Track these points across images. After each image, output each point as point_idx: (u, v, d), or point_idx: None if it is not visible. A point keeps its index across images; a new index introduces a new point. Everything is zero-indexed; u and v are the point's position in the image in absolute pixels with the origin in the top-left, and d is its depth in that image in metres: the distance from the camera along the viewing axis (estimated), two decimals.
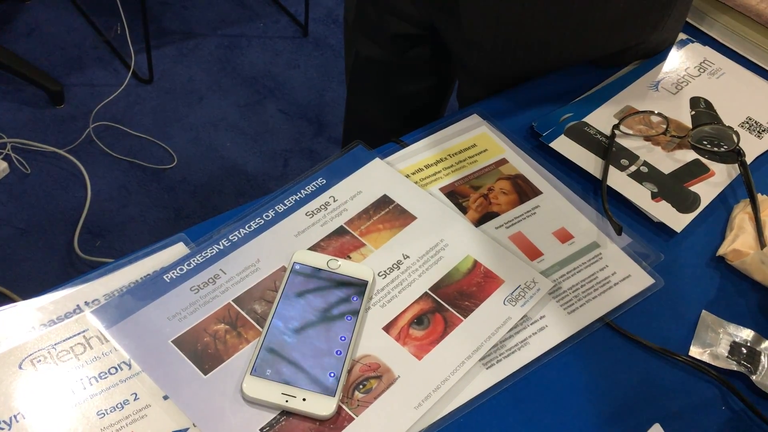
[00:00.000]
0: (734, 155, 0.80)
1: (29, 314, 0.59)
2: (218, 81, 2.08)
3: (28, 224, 1.69)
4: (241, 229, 0.67)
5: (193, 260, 0.64)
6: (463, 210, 0.72)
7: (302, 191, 0.71)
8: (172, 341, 0.59)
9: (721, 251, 0.71)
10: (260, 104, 2.04)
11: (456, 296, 0.65)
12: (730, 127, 0.81)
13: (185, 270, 0.63)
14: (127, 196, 1.78)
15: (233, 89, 2.06)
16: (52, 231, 1.68)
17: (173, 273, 0.63)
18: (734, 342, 0.65)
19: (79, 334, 0.58)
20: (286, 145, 1.95)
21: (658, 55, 0.91)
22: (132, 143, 1.88)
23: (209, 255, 0.65)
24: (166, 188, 1.81)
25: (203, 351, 0.58)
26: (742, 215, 0.74)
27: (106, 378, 0.56)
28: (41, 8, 2.19)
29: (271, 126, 1.99)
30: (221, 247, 0.65)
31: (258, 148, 1.93)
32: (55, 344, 0.57)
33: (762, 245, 0.71)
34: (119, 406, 0.55)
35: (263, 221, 0.68)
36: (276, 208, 0.69)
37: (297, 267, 0.64)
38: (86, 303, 0.60)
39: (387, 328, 0.62)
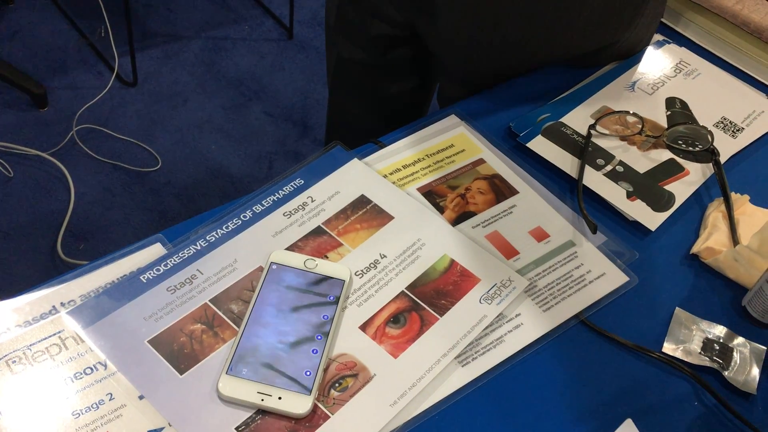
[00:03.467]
0: (709, 155, 0.81)
1: (5, 315, 0.59)
2: (203, 83, 2.08)
3: (10, 227, 1.68)
4: (218, 230, 0.67)
5: (170, 261, 0.64)
6: (441, 210, 0.72)
7: (280, 192, 0.71)
8: (148, 341, 0.59)
9: (694, 249, 0.72)
10: (245, 106, 2.04)
11: (432, 295, 0.65)
12: (704, 127, 0.82)
13: (162, 270, 0.64)
14: (111, 199, 1.77)
15: (218, 91, 2.06)
16: (35, 234, 1.67)
17: (150, 273, 0.63)
18: (707, 338, 0.66)
19: (54, 334, 0.58)
20: (271, 148, 1.95)
21: (635, 56, 0.92)
22: (116, 146, 1.88)
23: (186, 255, 0.65)
24: (150, 191, 1.81)
25: (179, 351, 0.59)
26: (716, 214, 0.75)
27: (81, 378, 0.56)
28: (25, 11, 2.18)
29: (256, 128, 1.99)
30: (198, 248, 0.66)
31: (243, 151, 1.93)
32: (31, 345, 0.57)
33: (735, 243, 0.72)
34: (94, 406, 0.55)
35: (241, 221, 0.68)
36: (254, 208, 0.70)
37: (274, 267, 0.64)
38: (62, 304, 0.60)
39: (363, 327, 0.62)
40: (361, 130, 1.10)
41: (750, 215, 0.76)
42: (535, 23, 0.80)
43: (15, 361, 0.56)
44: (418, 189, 0.74)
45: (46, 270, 1.62)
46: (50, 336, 0.58)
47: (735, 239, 0.72)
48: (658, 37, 0.95)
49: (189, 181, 1.85)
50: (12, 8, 2.17)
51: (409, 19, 0.91)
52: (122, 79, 2.03)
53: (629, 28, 0.84)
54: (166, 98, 2.02)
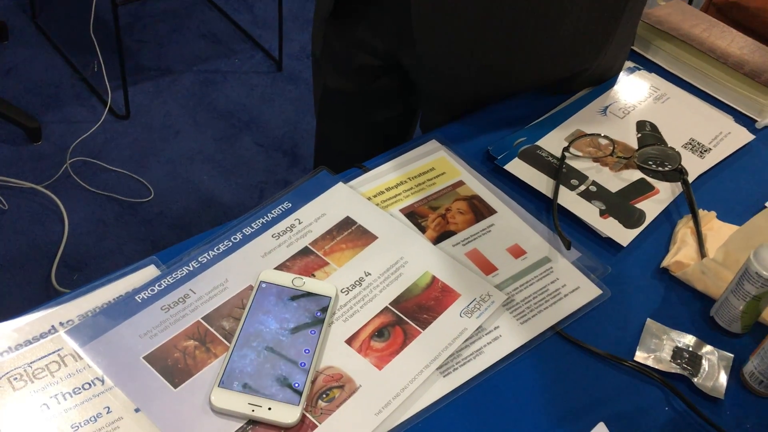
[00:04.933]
0: (677, 174, 0.85)
1: (6, 335, 0.62)
2: (194, 116, 2.12)
3: (5, 258, 1.70)
4: (210, 251, 0.71)
5: (164, 281, 0.67)
6: (422, 229, 0.76)
7: (269, 215, 0.75)
8: (144, 357, 0.62)
9: (664, 263, 0.76)
10: (236, 137, 2.08)
11: (415, 310, 0.68)
12: (672, 148, 0.86)
13: (156, 290, 0.67)
14: (105, 230, 1.80)
15: (209, 123, 2.11)
16: (30, 265, 1.70)
17: (144, 294, 0.66)
18: (677, 347, 0.69)
19: (54, 352, 0.61)
20: (262, 177, 1.99)
21: (607, 82, 0.96)
22: (109, 178, 1.91)
23: (179, 276, 0.68)
24: (142, 221, 1.84)
25: (173, 366, 0.61)
26: (684, 230, 0.79)
27: (80, 393, 0.59)
28: (19, 48, 2.22)
29: (246, 158, 2.03)
30: (191, 269, 0.69)
31: (234, 180, 1.97)
32: (31, 363, 0.60)
33: (702, 257, 0.75)
34: (92, 419, 0.57)
35: (231, 243, 0.72)
36: (243, 230, 0.73)
37: (263, 285, 0.67)
38: (61, 323, 0.63)
39: (349, 341, 0.65)
40: (348, 156, 1.13)
41: (717, 231, 0.79)
42: (511, 52, 0.84)
43: (16, 378, 0.59)
44: (401, 210, 0.77)
45: (40, 300, 1.63)
46: (50, 354, 0.61)
47: (703, 253, 0.76)
48: (629, 63, 1.00)
49: (181, 211, 1.88)
50: (6, 45, 2.22)
51: (391, 50, 0.95)
52: (115, 112, 2.07)
53: (599, 56, 0.89)
54: (158, 130, 2.06)
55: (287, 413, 0.59)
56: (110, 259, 1.74)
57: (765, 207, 0.84)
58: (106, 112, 2.05)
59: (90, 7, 2.03)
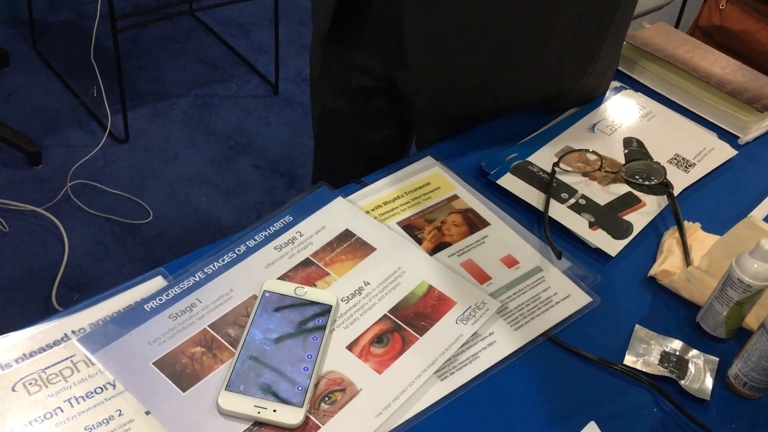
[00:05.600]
0: (663, 187, 0.88)
1: (20, 343, 0.64)
2: (192, 139, 2.16)
3: (6, 280, 1.72)
4: (215, 263, 0.73)
5: (172, 291, 0.70)
6: (419, 241, 0.79)
7: (271, 228, 0.78)
8: (153, 363, 0.64)
9: (651, 272, 0.79)
10: (233, 160, 2.12)
11: (413, 317, 0.71)
12: (658, 163, 0.90)
13: (164, 300, 0.69)
14: (104, 251, 1.83)
15: (207, 146, 2.14)
16: (30, 286, 1.72)
17: (153, 303, 0.69)
18: (664, 351, 0.72)
19: (67, 359, 0.64)
20: (259, 198, 2.02)
21: (594, 101, 1.00)
22: (108, 200, 1.94)
23: (186, 286, 0.71)
24: (142, 242, 1.86)
25: (182, 371, 0.64)
26: (670, 240, 0.82)
27: (92, 397, 0.61)
28: (20, 74, 2.26)
29: (244, 180, 2.06)
30: (197, 279, 0.72)
31: (232, 202, 2.00)
32: (45, 368, 0.63)
33: (688, 265, 0.79)
34: (105, 421, 0.60)
35: (235, 255, 0.75)
36: (247, 243, 0.76)
37: (267, 294, 0.70)
38: (73, 331, 0.66)
39: (350, 347, 0.68)
40: (345, 175, 1.17)
41: (702, 241, 0.83)
42: (498, 73, 0.88)
43: (31, 383, 0.62)
44: (398, 223, 0.80)
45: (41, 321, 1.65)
46: (63, 360, 0.63)
47: (688, 262, 0.79)
48: (615, 83, 1.04)
49: (180, 233, 1.91)
50: (7, 71, 2.26)
51: (387, 71, 0.99)
52: (114, 136, 2.10)
53: (584, 77, 0.93)
54: (157, 154, 2.09)
55: (291, 415, 0.61)
56: (110, 280, 1.76)
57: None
58: (106, 135, 2.08)
59: (89, 33, 2.07)
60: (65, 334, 0.66)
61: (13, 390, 0.61)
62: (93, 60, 2.07)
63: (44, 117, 2.14)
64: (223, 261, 0.74)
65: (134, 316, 0.68)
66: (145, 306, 0.69)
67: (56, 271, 1.75)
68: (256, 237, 0.77)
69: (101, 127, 2.12)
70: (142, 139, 2.13)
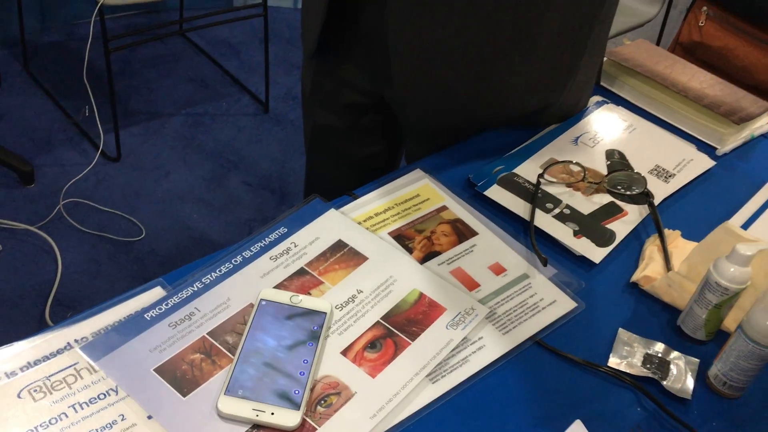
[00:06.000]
0: (644, 197, 0.91)
1: (24, 352, 0.66)
2: (184, 157, 2.18)
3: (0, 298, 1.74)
4: (212, 273, 0.76)
5: (171, 300, 0.73)
6: (409, 250, 0.81)
7: (266, 239, 0.80)
8: (154, 369, 0.67)
9: (634, 278, 0.82)
10: (224, 177, 2.14)
11: (404, 323, 0.74)
12: (639, 174, 0.93)
13: (164, 309, 0.72)
14: (97, 269, 1.84)
15: (198, 164, 2.17)
16: (24, 304, 1.73)
17: (153, 312, 0.71)
18: (647, 354, 0.75)
19: (70, 366, 0.66)
20: (250, 215, 2.05)
21: (576, 115, 1.04)
22: (101, 218, 1.96)
23: (185, 295, 0.73)
24: (134, 260, 1.88)
25: (182, 377, 0.66)
26: (652, 247, 0.85)
27: (96, 402, 0.63)
28: (11, 94, 2.29)
29: (235, 197, 2.09)
30: (195, 289, 0.74)
31: (223, 218, 2.02)
32: (50, 376, 0.65)
33: (668, 271, 0.82)
34: (108, 426, 0.62)
35: (232, 265, 0.77)
36: (243, 254, 0.78)
37: (263, 303, 0.73)
38: (75, 340, 0.68)
39: (344, 352, 0.70)
40: (336, 189, 1.20)
41: (682, 248, 0.86)
42: (479, 89, 0.92)
43: (36, 390, 0.64)
44: (389, 233, 0.83)
45: None
46: (67, 368, 0.65)
47: (669, 268, 0.82)
48: (597, 98, 1.08)
49: (172, 249, 1.92)
50: None
51: (376, 87, 1.02)
52: (106, 155, 2.12)
53: (563, 92, 0.96)
54: (148, 171, 2.12)
55: (289, 418, 0.64)
56: (103, 297, 1.76)
57: None
58: (98, 154, 2.10)
59: (81, 54, 2.10)
60: (68, 343, 0.68)
61: (19, 397, 0.63)
62: (86, 80, 2.10)
63: (36, 137, 2.16)
64: (220, 271, 0.76)
65: (135, 325, 0.70)
66: (145, 315, 0.71)
67: (50, 288, 1.77)
68: (251, 248, 0.79)
69: (93, 146, 2.14)
70: (134, 157, 2.15)
